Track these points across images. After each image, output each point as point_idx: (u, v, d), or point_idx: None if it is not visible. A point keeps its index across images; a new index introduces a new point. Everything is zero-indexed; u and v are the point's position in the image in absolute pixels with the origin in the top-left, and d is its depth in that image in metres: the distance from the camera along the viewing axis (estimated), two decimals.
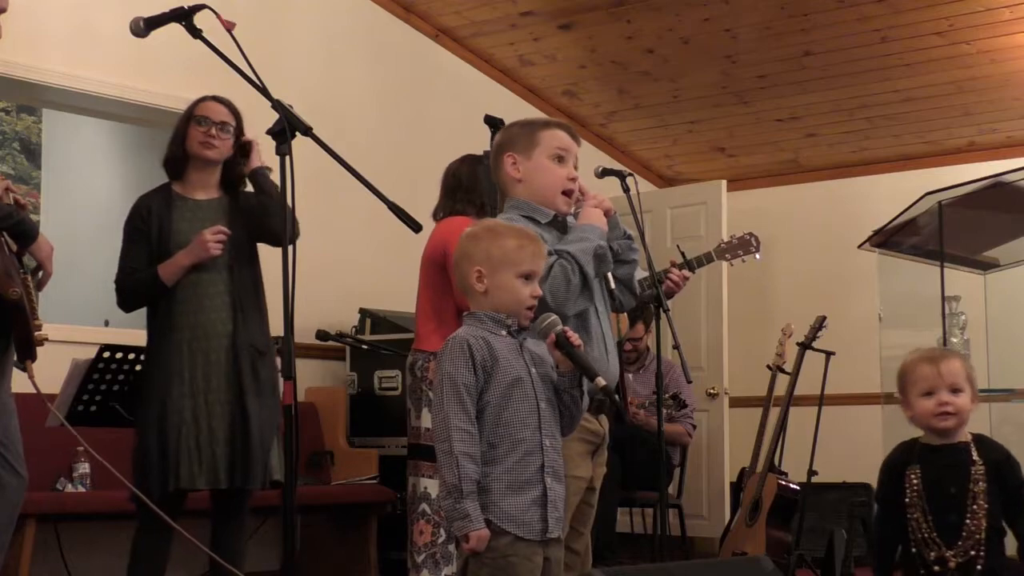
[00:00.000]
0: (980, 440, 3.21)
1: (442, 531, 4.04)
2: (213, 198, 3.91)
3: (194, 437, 3.71)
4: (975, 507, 3.12)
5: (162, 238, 3.83)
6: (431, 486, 4.05)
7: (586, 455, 3.04)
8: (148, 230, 3.84)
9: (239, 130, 3.92)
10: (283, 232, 2.83)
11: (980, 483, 3.13)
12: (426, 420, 4.11)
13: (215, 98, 3.92)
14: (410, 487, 4.17)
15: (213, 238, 3.75)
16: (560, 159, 3.10)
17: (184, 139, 3.87)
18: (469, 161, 4.31)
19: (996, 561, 3.13)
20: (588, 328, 3.00)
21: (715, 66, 6.68)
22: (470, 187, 4.24)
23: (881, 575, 3.29)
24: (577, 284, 2.95)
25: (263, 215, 3.83)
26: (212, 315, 3.79)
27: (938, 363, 3.20)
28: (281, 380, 2.83)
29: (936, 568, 3.13)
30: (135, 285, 3.84)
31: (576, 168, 4.64)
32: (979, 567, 3.10)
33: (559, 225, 3.09)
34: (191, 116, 3.87)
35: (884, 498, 3.27)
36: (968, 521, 3.12)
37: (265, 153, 3.07)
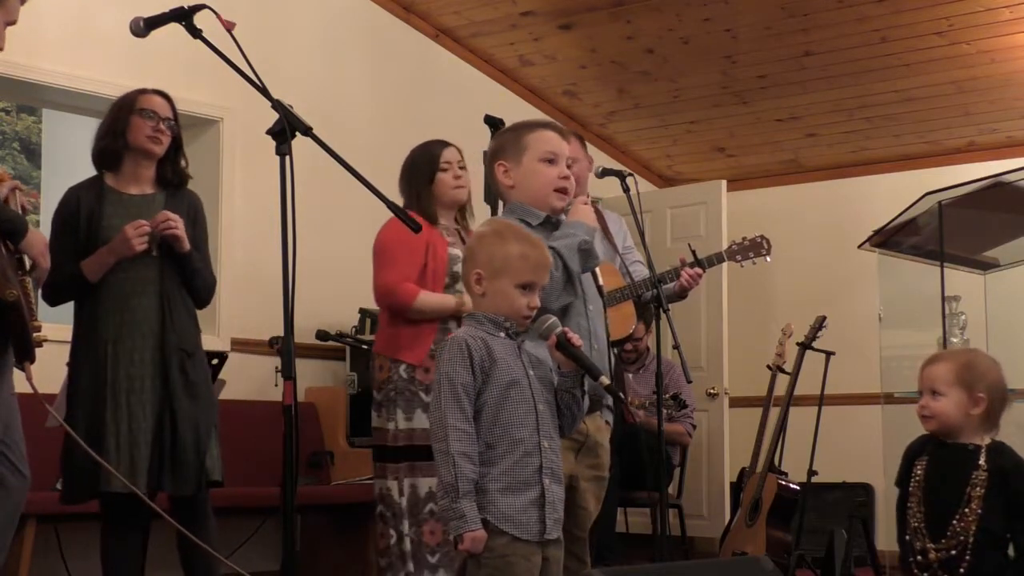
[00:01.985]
0: (995, 448, 3.23)
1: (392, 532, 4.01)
2: (148, 193, 3.82)
3: (114, 439, 3.60)
4: (967, 510, 3.14)
5: (91, 232, 3.72)
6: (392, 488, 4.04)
7: (567, 451, 3.02)
8: (77, 223, 3.74)
9: (177, 126, 3.86)
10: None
11: (978, 488, 3.15)
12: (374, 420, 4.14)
13: (156, 91, 3.84)
14: (377, 490, 4.11)
15: (135, 233, 3.64)
16: (550, 161, 3.11)
17: (126, 131, 3.77)
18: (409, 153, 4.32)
19: (987, 567, 3.13)
20: (570, 326, 2.99)
21: (715, 66, 6.68)
22: (401, 178, 4.25)
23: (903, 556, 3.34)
24: (559, 278, 2.97)
25: (189, 278, 3.80)
26: (139, 315, 3.69)
27: (924, 367, 3.28)
28: (283, 380, 2.82)
29: (919, 558, 3.19)
30: (59, 280, 3.66)
31: (591, 164, 4.66)
32: (962, 570, 3.12)
33: (551, 226, 3.10)
34: (135, 109, 3.77)
35: (899, 483, 3.36)
36: (955, 521, 3.15)
37: (265, 153, 3.07)
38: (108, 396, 3.64)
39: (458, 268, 4.01)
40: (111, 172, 3.83)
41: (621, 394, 3.11)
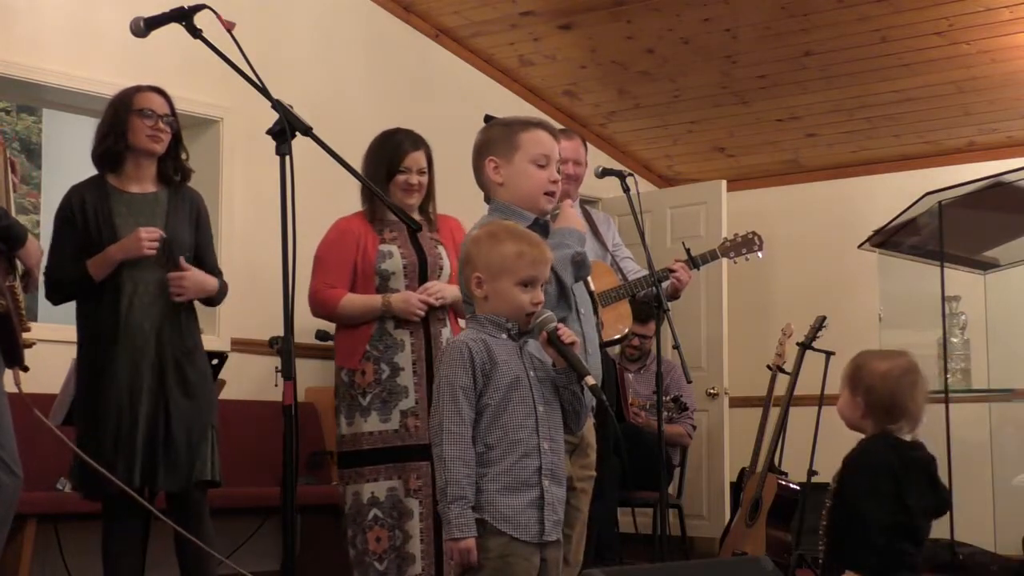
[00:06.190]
0: (861, 442, 3.10)
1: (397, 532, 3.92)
2: (150, 192, 3.83)
3: (112, 438, 3.62)
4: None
5: (100, 232, 3.72)
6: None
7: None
8: (82, 222, 3.74)
9: (176, 121, 3.86)
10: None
11: (832, 485, 3.10)
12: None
13: (152, 88, 3.84)
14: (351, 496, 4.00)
15: (148, 237, 3.66)
16: (541, 165, 3.07)
17: (126, 132, 3.76)
18: None
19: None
20: None
21: (715, 66, 6.68)
22: (363, 160, 4.16)
23: None
24: (553, 293, 2.95)
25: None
26: (139, 312, 3.70)
27: None
28: (283, 380, 2.82)
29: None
30: (64, 278, 3.72)
31: (585, 164, 4.61)
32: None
33: (539, 228, 3.06)
34: (132, 109, 3.76)
35: None
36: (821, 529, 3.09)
37: (265, 153, 3.07)
38: (109, 396, 3.66)
39: (386, 265, 3.99)
40: (113, 172, 3.83)
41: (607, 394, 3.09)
